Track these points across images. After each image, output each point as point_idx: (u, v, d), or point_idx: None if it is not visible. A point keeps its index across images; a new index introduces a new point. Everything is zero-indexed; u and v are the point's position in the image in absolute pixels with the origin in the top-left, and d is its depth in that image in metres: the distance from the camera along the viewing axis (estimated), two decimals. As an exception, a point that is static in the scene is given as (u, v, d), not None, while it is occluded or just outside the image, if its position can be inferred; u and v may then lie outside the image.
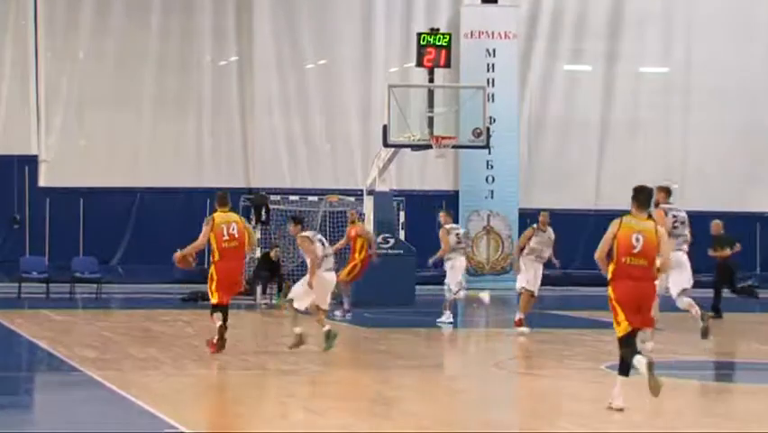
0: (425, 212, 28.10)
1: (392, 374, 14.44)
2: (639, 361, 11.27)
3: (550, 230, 18.93)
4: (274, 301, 23.58)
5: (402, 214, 27.27)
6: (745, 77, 30.67)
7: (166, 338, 17.54)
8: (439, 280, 28.90)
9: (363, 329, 19.55)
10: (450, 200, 29.15)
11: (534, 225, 19.02)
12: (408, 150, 24.62)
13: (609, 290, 11.58)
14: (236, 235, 15.33)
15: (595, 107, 30.55)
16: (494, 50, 29.62)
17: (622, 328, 11.41)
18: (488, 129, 23.75)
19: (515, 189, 29.41)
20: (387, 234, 23.92)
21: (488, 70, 29.35)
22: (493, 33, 29.66)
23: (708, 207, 29.20)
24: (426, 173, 29.38)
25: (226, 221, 15.39)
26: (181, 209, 27.71)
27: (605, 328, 19.69)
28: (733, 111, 30.61)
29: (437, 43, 23.68)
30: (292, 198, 27.22)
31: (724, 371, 16.01)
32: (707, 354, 17.05)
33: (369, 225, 24.42)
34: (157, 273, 26.64)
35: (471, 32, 29.63)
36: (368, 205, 24.59)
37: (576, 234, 27.11)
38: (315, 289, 15.53)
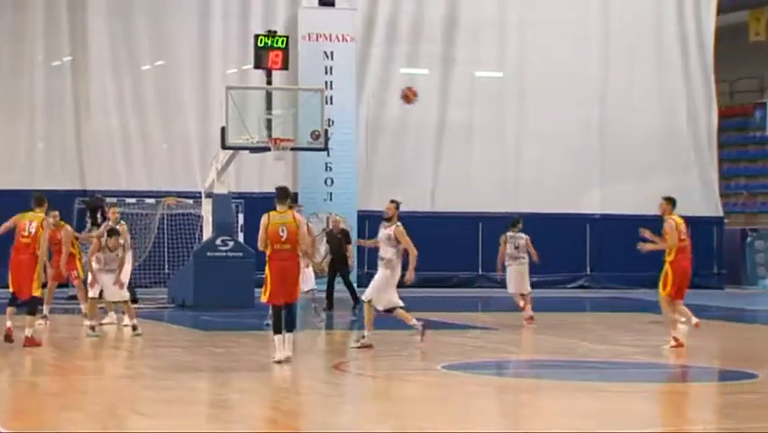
0: (263, 214, 27.94)
1: (230, 377, 14.28)
2: None
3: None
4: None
5: (241, 216, 27.07)
6: (578, 82, 31.36)
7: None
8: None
9: (201, 332, 19.32)
10: (288, 202, 29.02)
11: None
12: (247, 152, 24.46)
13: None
14: (32, 233, 16.48)
15: (432, 111, 30.83)
16: (332, 53, 29.65)
17: (267, 298, 14.80)
18: (326, 131, 23.75)
19: (353, 191, 29.47)
20: (225, 237, 23.69)
21: (326, 73, 29.37)
22: (331, 36, 29.69)
23: (541, 210, 29.85)
24: (265, 175, 29.19)
25: (30, 219, 16.63)
26: (13, 213, 26.87)
27: (442, 329, 19.91)
28: (564, 115, 31.25)
29: (275, 45, 23.59)
30: (129, 200, 26.75)
31: (553, 370, 16.30)
32: (540, 354, 17.34)
33: (208, 228, 24.17)
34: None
35: (309, 35, 29.60)
36: (206, 207, 24.32)
37: (413, 236, 27.27)
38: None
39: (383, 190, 30.20)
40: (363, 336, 16.60)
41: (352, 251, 23.48)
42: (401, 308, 16.62)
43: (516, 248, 20.56)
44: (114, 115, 28.92)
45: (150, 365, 15.33)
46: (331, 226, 23.81)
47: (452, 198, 30.63)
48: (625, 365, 15.98)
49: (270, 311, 15.55)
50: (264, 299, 14.89)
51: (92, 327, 17.94)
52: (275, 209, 14.93)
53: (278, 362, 14.63)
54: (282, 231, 14.79)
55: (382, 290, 16.53)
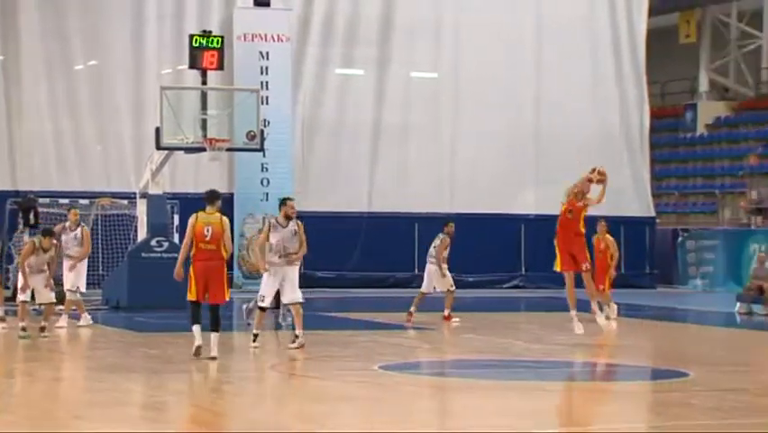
0: (192, 215, 27.80)
1: (165, 379, 14.20)
2: None
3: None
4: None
5: (176, 217, 26.90)
6: (513, 83, 31.57)
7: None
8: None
9: (135, 334, 19.19)
10: (225, 203, 28.86)
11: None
12: (182, 152, 24.33)
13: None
14: None
15: (367, 112, 30.88)
16: (267, 53, 29.58)
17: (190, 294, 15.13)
18: (262, 132, 23.70)
19: (289, 192, 29.31)
20: (160, 238, 23.54)
21: (261, 73, 29.30)
22: (266, 36, 29.63)
23: (476, 210, 30.00)
24: (201, 176, 29.05)
25: None
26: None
27: (379, 329, 19.95)
28: (499, 116, 31.46)
29: (210, 45, 23.50)
30: (62, 201, 26.49)
31: (488, 369, 16.39)
32: (476, 353, 17.43)
33: (142, 228, 24.01)
34: None
35: (245, 35, 29.52)
36: (141, 208, 24.16)
37: (350, 237, 27.36)
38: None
39: (320, 191, 30.25)
40: (297, 337, 16.57)
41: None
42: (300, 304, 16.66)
43: (435, 248, 20.80)
44: (46, 115, 28.66)
45: (85, 367, 15.19)
46: None
47: (388, 198, 30.70)
48: (558, 364, 16.11)
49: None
50: (189, 296, 15.23)
51: (23, 329, 17.77)
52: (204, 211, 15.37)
53: (198, 348, 15.09)
54: (207, 231, 15.21)
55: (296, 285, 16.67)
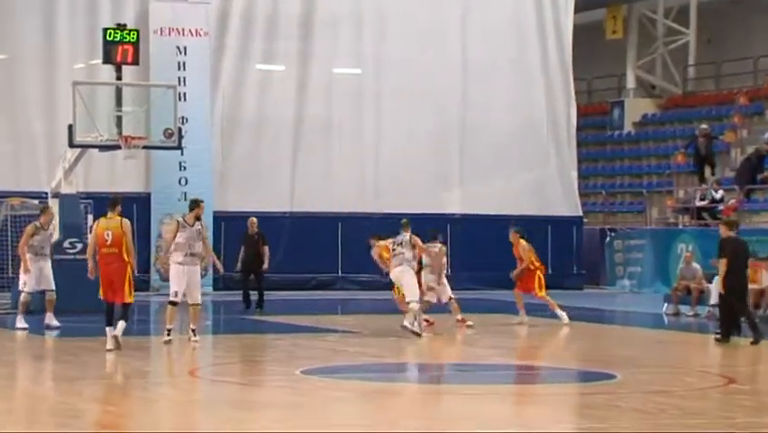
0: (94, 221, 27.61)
1: (83, 386, 14.10)
2: None
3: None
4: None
5: (90, 217, 26.65)
6: (436, 79, 31.69)
7: None
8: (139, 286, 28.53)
9: (48, 339, 19.01)
10: (141, 203, 28.75)
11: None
12: (96, 150, 24.14)
13: None
14: None
15: (289, 108, 30.82)
16: (185, 48, 29.43)
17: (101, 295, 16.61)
18: (180, 129, 23.57)
19: (209, 191, 29.20)
20: (74, 239, 23.34)
21: (179, 69, 29.13)
22: (184, 30, 29.46)
23: (402, 210, 30.06)
24: (116, 174, 28.82)
25: None
26: None
27: (301, 332, 19.96)
28: (423, 113, 31.58)
29: (125, 39, 23.31)
30: (-31, 200, 26.14)
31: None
32: (400, 357, 17.52)
33: (55, 229, 23.78)
34: None
35: (161, 29, 29.33)
36: (53, 208, 23.90)
37: (272, 237, 27.25)
38: None
39: (240, 190, 30.14)
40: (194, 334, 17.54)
41: (268, 253, 23.63)
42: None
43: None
44: (-47, 111, 28.27)
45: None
46: (248, 228, 23.96)
47: (311, 197, 30.67)
48: (483, 367, 16.25)
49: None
50: (101, 296, 16.85)
51: None
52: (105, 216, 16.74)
53: (110, 350, 16.42)
54: (108, 235, 16.57)
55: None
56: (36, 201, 25.77)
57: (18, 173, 28.55)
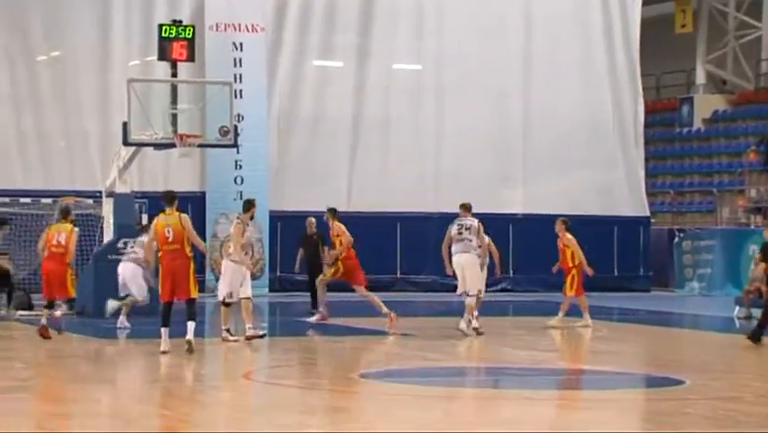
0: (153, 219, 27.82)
1: (138, 389, 14.23)
2: None
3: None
4: (2, 312, 22.88)
5: (144, 217, 26.87)
6: (497, 75, 31.62)
7: None
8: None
9: (103, 341, 19.19)
10: (196, 202, 28.96)
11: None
12: (151, 149, 24.33)
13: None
14: None
15: (347, 105, 30.89)
16: (241, 44, 29.60)
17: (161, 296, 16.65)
18: (235, 127, 23.68)
19: (265, 191, 29.38)
20: (128, 239, 23.53)
21: (235, 65, 29.30)
22: (240, 26, 29.63)
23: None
24: (171, 174, 29.07)
25: None
26: None
27: (358, 335, 20.00)
28: (485, 110, 31.51)
29: (180, 36, 23.48)
30: (23, 200, 26.45)
31: (476, 377, 16.48)
32: (460, 360, 17.51)
33: (109, 229, 24.00)
34: None
35: (217, 25, 29.52)
36: (107, 207, 24.16)
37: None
38: None
39: (296, 189, 30.24)
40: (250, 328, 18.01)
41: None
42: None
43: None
44: (7, 109, 28.60)
45: (52, 376, 15.22)
46: (307, 228, 23.95)
47: (369, 197, 30.70)
48: (545, 371, 16.21)
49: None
50: (161, 298, 16.81)
51: None
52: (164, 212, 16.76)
53: (164, 352, 16.32)
54: (168, 232, 16.60)
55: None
56: (90, 201, 26.05)
57: (72, 172, 28.83)
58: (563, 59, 32.13)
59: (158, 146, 23.67)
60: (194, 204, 28.52)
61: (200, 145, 23.63)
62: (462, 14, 31.39)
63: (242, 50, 29.57)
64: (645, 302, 27.10)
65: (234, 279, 18.00)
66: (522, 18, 32.02)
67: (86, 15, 29.05)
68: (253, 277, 20.24)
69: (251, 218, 18.59)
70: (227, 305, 18.07)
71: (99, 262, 23.34)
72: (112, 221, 23.84)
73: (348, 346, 18.74)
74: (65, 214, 19.09)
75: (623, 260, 31.03)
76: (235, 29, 29.60)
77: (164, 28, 23.73)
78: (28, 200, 26.43)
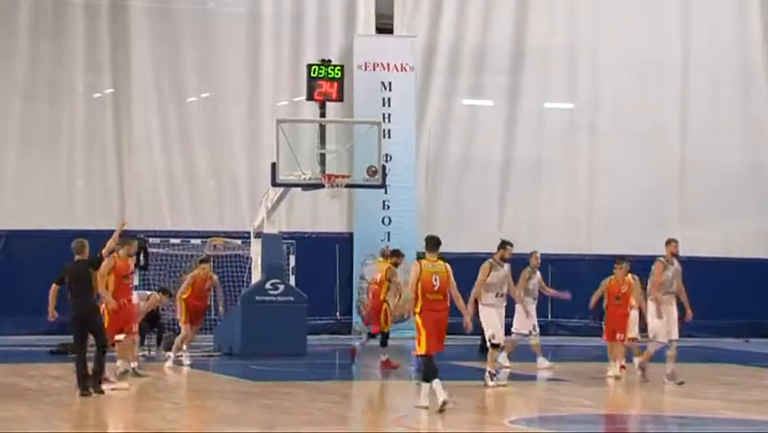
0: (316, 256, 28.03)
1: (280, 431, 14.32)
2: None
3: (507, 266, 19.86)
4: (152, 353, 23.29)
5: (292, 258, 27.14)
6: (654, 114, 31.24)
7: (32, 395, 17.18)
8: (332, 329, 28.86)
9: (250, 382, 19.37)
10: (344, 243, 29.13)
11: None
12: (299, 189, 24.58)
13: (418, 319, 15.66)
14: None
15: (497, 145, 30.80)
16: (390, 84, 29.77)
17: (422, 349, 15.59)
18: (383, 167, 23.81)
19: (413, 232, 29.40)
20: (275, 280, 23.79)
21: (383, 105, 29.47)
22: (389, 65, 29.81)
23: (616, 251, 29.59)
24: (318, 214, 29.32)
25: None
26: (51, 254, 27.19)
27: (510, 379, 19.78)
28: (641, 150, 31.12)
29: (329, 76, 23.73)
30: (173, 240, 26.94)
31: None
32: (617, 407, 17.20)
33: (257, 270, 24.27)
34: (23, 324, 26.18)
35: (365, 64, 29.75)
36: (255, 248, 24.46)
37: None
38: None
39: (445, 230, 30.13)
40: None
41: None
42: None
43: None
44: (157, 150, 29.13)
45: (198, 418, 15.38)
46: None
47: (519, 239, 30.37)
48: (708, 421, 15.82)
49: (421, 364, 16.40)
50: (421, 351, 15.76)
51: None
52: (425, 258, 15.99)
53: (425, 407, 15.57)
54: (435, 280, 15.83)
55: None
56: (239, 241, 26.41)
57: (221, 212, 29.24)
58: (723, 96, 31.60)
59: (306, 186, 23.90)
60: (341, 245, 28.69)
61: (348, 185, 23.80)
62: (617, 52, 31.09)
63: (390, 89, 29.74)
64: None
65: (496, 320, 18.75)
66: (680, 54, 31.59)
67: (236, 56, 29.51)
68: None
69: (503, 259, 19.50)
70: (496, 346, 18.63)
71: (247, 303, 23.62)
72: (260, 262, 24.12)
73: (496, 391, 18.56)
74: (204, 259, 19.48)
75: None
76: (384, 68, 29.79)
77: (313, 68, 24.01)
78: (177, 241, 26.91)
